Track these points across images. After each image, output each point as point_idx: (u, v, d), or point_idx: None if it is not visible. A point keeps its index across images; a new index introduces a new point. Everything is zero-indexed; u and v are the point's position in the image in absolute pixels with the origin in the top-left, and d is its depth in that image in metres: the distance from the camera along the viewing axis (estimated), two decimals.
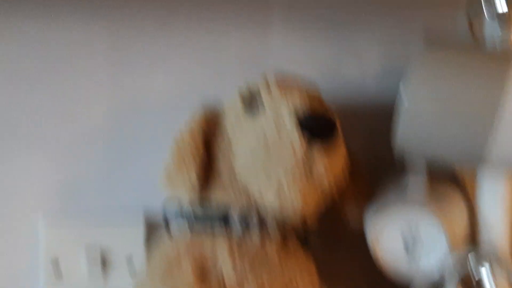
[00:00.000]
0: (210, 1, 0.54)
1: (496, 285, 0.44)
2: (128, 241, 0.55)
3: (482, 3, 0.42)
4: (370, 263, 0.47)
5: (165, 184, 0.46)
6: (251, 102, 0.44)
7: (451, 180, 0.51)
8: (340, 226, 0.49)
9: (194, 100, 0.50)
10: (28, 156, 0.54)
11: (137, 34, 0.54)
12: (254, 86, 0.45)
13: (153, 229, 0.54)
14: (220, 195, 0.45)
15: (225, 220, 0.44)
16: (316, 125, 0.40)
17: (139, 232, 0.55)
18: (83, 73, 0.54)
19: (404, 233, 0.45)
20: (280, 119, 0.41)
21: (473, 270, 0.43)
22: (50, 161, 0.55)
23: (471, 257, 0.43)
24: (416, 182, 0.47)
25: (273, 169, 0.41)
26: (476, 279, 0.43)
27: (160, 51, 0.54)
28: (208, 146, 0.46)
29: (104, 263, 0.55)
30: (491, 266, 0.43)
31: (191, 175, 0.44)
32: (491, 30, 0.44)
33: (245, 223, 0.43)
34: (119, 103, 0.55)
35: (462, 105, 0.40)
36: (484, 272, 0.42)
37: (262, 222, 0.43)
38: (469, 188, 0.49)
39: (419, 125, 0.41)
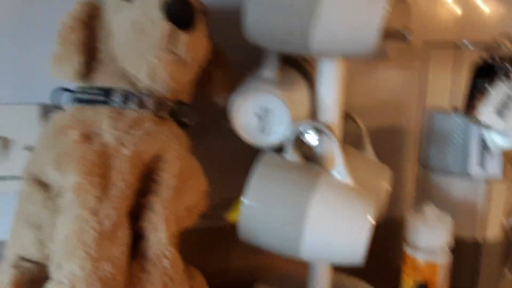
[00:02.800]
0: None
1: (324, 154, 0.56)
2: (25, 128, 0.60)
3: None
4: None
5: (53, 67, 0.51)
6: None
7: (298, 66, 0.61)
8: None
9: None
10: None
11: None
12: None
13: (48, 115, 0.58)
14: (102, 76, 0.51)
15: (107, 95, 0.50)
16: (179, 10, 0.47)
17: (34, 119, 0.60)
18: None
19: (258, 109, 0.55)
20: (148, 2, 0.47)
21: (303, 136, 0.53)
22: None
23: (302, 127, 0.53)
24: (269, 67, 0.57)
25: (143, 48, 0.47)
26: (311, 143, 0.54)
27: None
28: (90, 29, 0.51)
29: (5, 149, 0.60)
30: (319, 135, 0.54)
31: (76, 58, 0.50)
32: None
33: (125, 98, 0.50)
34: None
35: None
36: (311, 138, 0.53)
37: (139, 97, 0.50)
38: (313, 74, 0.60)
39: (258, 12, 0.49)
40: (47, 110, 0.61)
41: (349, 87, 0.69)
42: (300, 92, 0.58)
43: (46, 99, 0.60)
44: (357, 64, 0.70)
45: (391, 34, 0.55)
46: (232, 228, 0.54)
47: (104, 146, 0.47)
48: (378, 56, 0.59)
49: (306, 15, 0.47)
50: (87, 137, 0.48)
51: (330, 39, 0.49)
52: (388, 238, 0.66)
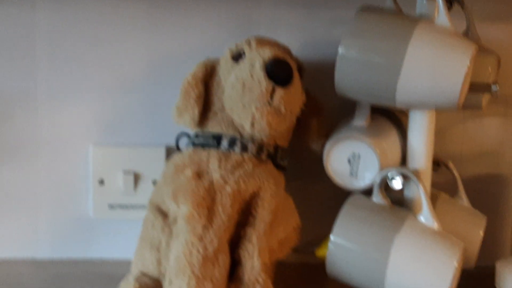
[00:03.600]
0: None
1: (411, 197, 0.59)
2: (153, 163, 0.72)
3: None
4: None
5: (175, 115, 0.62)
6: (237, 53, 0.60)
7: (391, 116, 0.65)
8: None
9: (199, 58, 0.66)
10: (80, 98, 0.71)
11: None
12: (240, 43, 0.61)
13: (171, 154, 0.68)
14: (214, 124, 0.61)
15: (217, 140, 0.60)
16: (277, 68, 0.55)
17: (161, 156, 0.72)
18: (124, 32, 0.70)
19: (348, 154, 0.60)
20: (253, 63, 0.56)
21: (389, 180, 0.57)
22: (97, 102, 0.72)
23: (389, 172, 0.57)
24: (360, 116, 0.62)
25: (247, 101, 0.56)
26: (396, 187, 0.58)
27: (185, 21, 0.70)
28: (206, 86, 0.62)
29: (136, 179, 0.72)
30: (408, 181, 0.57)
31: (194, 108, 0.60)
32: (420, 6, 0.57)
33: (231, 143, 0.59)
34: (152, 61, 0.71)
35: (379, 56, 0.53)
36: (397, 183, 0.57)
37: (243, 142, 0.59)
38: (404, 122, 0.64)
39: (349, 70, 0.54)
40: (171, 151, 0.72)
41: (445, 134, 0.72)
42: (390, 140, 0.62)
43: (171, 141, 0.72)
44: (454, 112, 0.72)
45: (478, 86, 0.57)
46: (323, 265, 0.59)
47: (211, 183, 0.56)
48: (470, 106, 0.61)
49: (391, 71, 0.52)
50: (199, 174, 0.57)
51: (415, 93, 0.53)
52: (483, 286, 0.65)
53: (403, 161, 0.62)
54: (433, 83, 0.52)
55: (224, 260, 0.53)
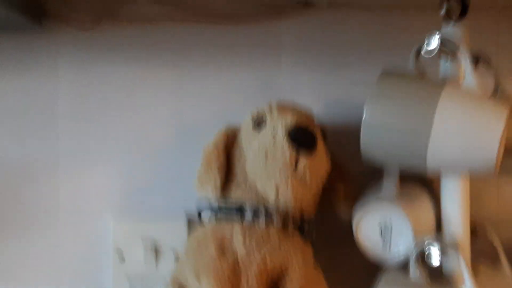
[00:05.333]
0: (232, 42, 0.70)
1: (450, 269, 0.55)
2: (174, 235, 0.69)
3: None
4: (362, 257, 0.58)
5: (197, 185, 0.60)
6: (258, 120, 0.58)
7: (421, 182, 0.62)
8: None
9: (220, 123, 0.65)
10: (98, 168, 0.71)
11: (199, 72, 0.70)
12: (262, 109, 0.60)
13: (193, 226, 0.67)
14: (237, 194, 0.59)
15: (240, 211, 0.57)
16: (300, 135, 0.54)
17: (182, 228, 0.70)
18: (147, 99, 0.70)
19: (380, 225, 0.57)
20: (275, 131, 0.55)
21: (430, 255, 0.53)
22: (119, 171, 0.71)
23: (428, 244, 0.53)
24: (390, 183, 0.59)
25: (271, 171, 0.54)
26: (433, 263, 0.53)
27: (205, 87, 0.70)
28: (228, 154, 0.60)
29: (157, 252, 0.69)
30: (446, 252, 0.53)
31: (216, 178, 0.58)
32: (444, 68, 0.56)
33: (255, 214, 0.57)
34: (169, 130, 0.71)
35: (406, 121, 0.51)
36: (435, 260, 0.52)
37: (267, 213, 0.56)
38: (436, 188, 0.60)
39: (374, 136, 0.52)
40: (192, 222, 0.70)
41: (479, 198, 0.68)
42: (423, 207, 0.58)
43: (193, 211, 0.70)
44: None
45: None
46: None
47: (236, 260, 0.53)
48: (505, 171, 0.58)
49: (419, 137, 0.50)
50: (222, 251, 0.54)
51: (446, 159, 0.50)
52: None
53: (437, 230, 0.58)
54: (465, 148, 0.49)
55: None
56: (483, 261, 0.61)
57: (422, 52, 0.52)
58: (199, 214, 0.63)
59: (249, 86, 0.70)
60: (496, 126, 0.48)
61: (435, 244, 0.53)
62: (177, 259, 0.66)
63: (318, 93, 0.69)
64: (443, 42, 0.51)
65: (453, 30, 0.55)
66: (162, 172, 0.71)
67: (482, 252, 0.61)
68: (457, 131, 0.49)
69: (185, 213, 0.70)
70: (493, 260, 0.62)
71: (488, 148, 0.48)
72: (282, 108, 0.59)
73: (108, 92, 0.70)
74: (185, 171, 0.70)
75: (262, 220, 0.56)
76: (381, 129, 0.52)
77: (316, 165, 0.55)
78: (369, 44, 0.70)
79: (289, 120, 0.55)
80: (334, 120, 0.68)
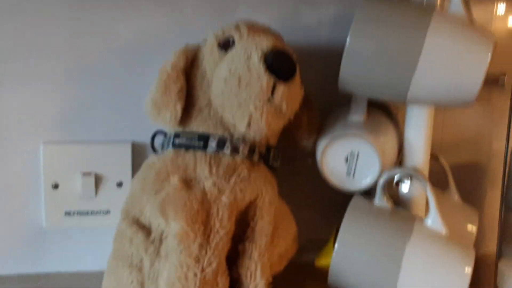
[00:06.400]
0: None
1: (414, 198, 0.56)
2: (116, 162, 0.63)
3: None
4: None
5: (151, 110, 0.53)
6: (224, 41, 0.52)
7: (386, 111, 0.61)
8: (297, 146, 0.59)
9: (174, 41, 0.58)
10: (29, 87, 0.60)
11: None
12: (227, 28, 0.53)
13: (139, 159, 0.60)
14: (198, 121, 0.53)
15: (203, 140, 0.52)
16: (279, 62, 0.48)
17: (127, 155, 0.63)
18: (81, 11, 0.59)
19: (346, 152, 0.55)
20: (248, 54, 0.48)
21: (397, 184, 0.53)
22: (49, 93, 0.61)
23: (394, 173, 0.53)
24: (358, 110, 0.57)
25: (243, 98, 0.48)
26: (399, 192, 0.54)
27: None
28: (188, 77, 0.53)
29: (96, 180, 0.63)
30: (411, 181, 0.53)
31: (175, 103, 0.52)
32: None
33: (220, 143, 0.52)
34: (110, 43, 0.61)
35: (391, 49, 0.48)
36: (405, 187, 0.53)
37: (232, 142, 0.52)
38: (400, 118, 0.60)
39: (357, 62, 0.49)
40: (137, 149, 0.63)
41: None
42: (388, 136, 0.57)
43: (138, 138, 0.63)
44: None
45: (487, 80, 0.54)
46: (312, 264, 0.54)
47: (204, 193, 0.48)
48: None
49: (406, 65, 0.47)
50: (187, 183, 0.49)
51: (429, 90, 0.48)
52: None
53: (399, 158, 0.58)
54: (451, 79, 0.47)
55: (224, 283, 0.47)
56: (434, 184, 0.64)
57: None
58: (153, 142, 0.57)
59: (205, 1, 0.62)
60: (484, 56, 0.46)
61: (404, 172, 0.53)
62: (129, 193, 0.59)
63: (277, 10, 0.63)
64: None
65: None
66: (101, 95, 0.62)
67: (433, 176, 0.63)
68: (445, 60, 0.47)
69: (127, 139, 0.63)
70: (440, 183, 0.65)
71: (474, 79, 0.47)
72: (252, 28, 0.52)
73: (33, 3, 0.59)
74: (128, 93, 0.63)
75: (227, 149, 0.52)
76: (365, 56, 0.48)
77: (293, 94, 0.50)
78: None
79: (264, 41, 0.49)
80: (295, 42, 0.63)
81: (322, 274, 0.53)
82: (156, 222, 0.49)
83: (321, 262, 0.54)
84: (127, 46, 0.62)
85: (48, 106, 0.62)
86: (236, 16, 0.60)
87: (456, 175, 0.70)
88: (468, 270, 0.49)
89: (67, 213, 0.64)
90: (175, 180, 0.49)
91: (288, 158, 0.63)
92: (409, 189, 0.55)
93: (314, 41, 0.66)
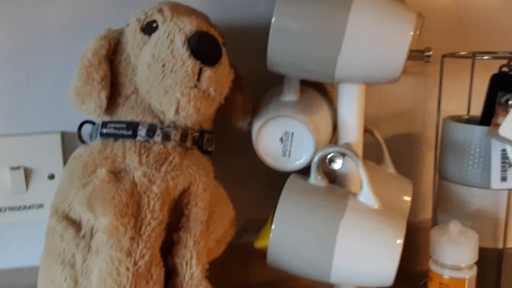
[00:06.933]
0: None
1: (348, 175, 0.56)
2: (46, 153, 0.60)
3: None
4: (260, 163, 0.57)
5: (74, 99, 0.51)
6: (147, 24, 0.50)
7: (320, 89, 0.61)
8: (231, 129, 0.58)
9: (96, 25, 0.55)
10: None
11: None
12: (149, 9, 0.51)
13: (70, 150, 0.57)
14: (125, 109, 0.51)
15: (132, 128, 0.50)
16: (204, 45, 0.46)
17: (56, 146, 0.61)
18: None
19: (280, 135, 0.55)
20: (172, 38, 0.46)
21: (330, 163, 0.53)
22: None
23: (327, 151, 0.53)
24: (290, 89, 0.56)
25: (169, 84, 0.47)
26: (335, 167, 0.54)
27: None
28: (111, 64, 0.51)
29: (26, 172, 0.60)
30: (344, 160, 0.54)
31: (100, 91, 0.49)
32: None
33: (150, 130, 0.50)
34: (30, 27, 0.58)
35: (316, 28, 0.47)
36: (338, 164, 0.53)
37: (165, 133, 0.50)
38: (334, 97, 0.60)
39: (284, 40, 0.48)
40: (68, 138, 0.61)
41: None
42: (322, 114, 0.57)
43: (68, 127, 0.61)
44: None
45: (412, 55, 0.55)
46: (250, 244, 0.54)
47: (133, 184, 0.47)
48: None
49: (331, 47, 0.47)
50: (116, 175, 0.48)
51: (355, 68, 0.48)
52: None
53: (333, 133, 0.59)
54: (376, 57, 0.47)
55: (159, 273, 0.46)
56: (369, 161, 0.65)
57: None
58: (80, 133, 0.55)
59: None
60: (406, 33, 0.46)
61: (338, 152, 0.53)
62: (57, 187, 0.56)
63: None
64: None
65: None
66: (24, 83, 0.59)
67: (365, 146, 0.64)
68: (369, 38, 0.47)
69: (55, 129, 0.60)
70: (375, 156, 0.66)
71: (397, 56, 0.47)
72: (176, 10, 0.50)
73: None
74: (50, 80, 0.60)
75: (158, 137, 0.50)
76: (291, 36, 0.47)
77: (221, 77, 0.49)
78: None
79: (187, 24, 0.47)
80: (221, 19, 0.61)
81: (264, 254, 0.54)
82: (86, 217, 0.48)
83: (259, 244, 0.54)
84: (54, 32, 0.58)
85: None
86: None
87: (394, 146, 0.71)
88: (399, 241, 0.50)
89: None
90: (102, 172, 0.48)
91: (224, 139, 0.62)
92: (342, 166, 0.55)
93: (246, 19, 0.64)
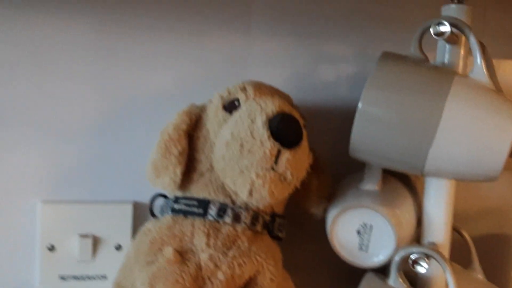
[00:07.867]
0: (198, 9, 0.59)
1: (432, 279, 0.50)
2: (116, 224, 0.60)
3: (431, 29, 0.46)
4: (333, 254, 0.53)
5: (150, 173, 0.50)
6: (230, 101, 0.49)
7: (404, 179, 0.56)
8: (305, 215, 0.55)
9: (180, 99, 0.56)
10: (26, 147, 0.58)
11: (126, 33, 0.58)
12: (233, 88, 0.50)
13: (141, 221, 0.57)
14: (199, 186, 0.50)
15: (203, 206, 0.49)
16: (284, 127, 0.45)
17: (127, 216, 0.60)
18: (74, 67, 0.57)
19: (358, 224, 0.51)
20: (253, 118, 0.45)
21: (414, 265, 0.48)
22: (47, 151, 0.58)
23: (413, 253, 0.48)
24: (372, 178, 0.52)
25: (245, 164, 0.45)
26: (416, 273, 0.49)
27: (150, 51, 0.59)
28: (191, 139, 0.50)
29: (94, 242, 0.59)
30: (429, 262, 0.48)
31: (176, 166, 0.49)
32: (442, 50, 0.49)
33: (220, 210, 0.48)
34: (112, 99, 0.59)
35: (407, 117, 0.44)
36: (422, 268, 0.47)
37: (236, 214, 0.48)
38: (419, 189, 0.55)
39: (370, 127, 0.45)
40: (139, 209, 0.60)
41: None
42: (406, 207, 0.53)
43: (141, 198, 0.60)
44: None
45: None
46: None
47: (198, 267, 0.45)
48: None
49: (422, 138, 0.43)
50: (182, 254, 0.46)
51: (447, 164, 0.44)
52: None
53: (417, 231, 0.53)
54: (472, 152, 0.43)
55: None
56: (456, 264, 0.58)
57: (433, 34, 0.44)
58: (151, 207, 0.54)
59: (211, 56, 0.60)
60: (508, 128, 0.42)
61: (421, 250, 0.48)
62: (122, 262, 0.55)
63: (292, 68, 0.61)
64: (453, 24, 0.44)
65: (455, 10, 0.48)
66: (100, 153, 0.60)
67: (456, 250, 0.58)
68: (466, 130, 0.43)
69: (127, 200, 0.60)
70: (461, 256, 0.59)
71: (497, 152, 0.42)
72: (259, 89, 0.50)
73: (26, 52, 0.57)
74: (129, 152, 0.60)
75: (228, 217, 0.48)
76: (378, 124, 0.45)
77: (299, 160, 0.46)
78: (349, 16, 0.62)
79: (269, 105, 0.46)
80: (304, 99, 0.60)
81: None
82: None
83: None
84: (131, 104, 0.60)
85: (47, 164, 0.59)
86: (248, 74, 0.58)
87: (481, 248, 0.64)
88: None
89: (62, 277, 0.60)
90: (169, 251, 0.46)
91: (296, 224, 0.59)
92: (427, 270, 0.49)
93: (329, 100, 0.63)
